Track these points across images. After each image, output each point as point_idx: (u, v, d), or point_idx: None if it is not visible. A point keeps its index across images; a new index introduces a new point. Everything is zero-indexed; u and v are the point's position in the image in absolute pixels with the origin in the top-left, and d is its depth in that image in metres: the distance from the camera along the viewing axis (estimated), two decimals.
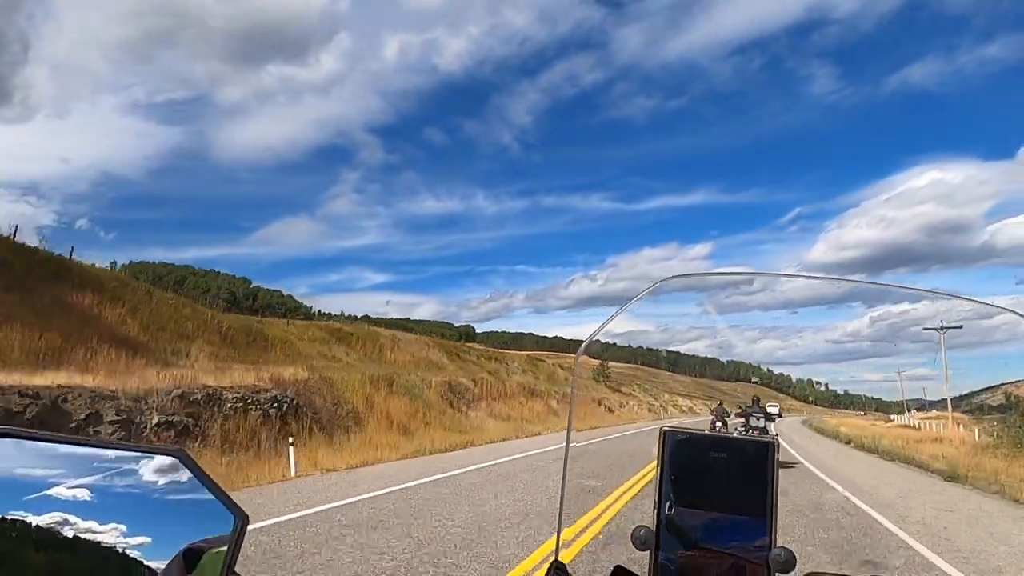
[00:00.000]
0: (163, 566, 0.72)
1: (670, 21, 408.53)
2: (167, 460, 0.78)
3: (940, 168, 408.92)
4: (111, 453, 0.79)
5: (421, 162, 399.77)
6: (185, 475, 0.77)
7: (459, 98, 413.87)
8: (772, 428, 13.97)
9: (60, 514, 0.73)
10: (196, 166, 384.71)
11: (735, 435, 1.10)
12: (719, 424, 16.59)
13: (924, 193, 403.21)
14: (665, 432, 1.06)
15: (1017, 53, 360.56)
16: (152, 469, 0.78)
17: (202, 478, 0.77)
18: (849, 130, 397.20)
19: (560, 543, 1.34)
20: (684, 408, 78.02)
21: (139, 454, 0.79)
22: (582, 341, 1.25)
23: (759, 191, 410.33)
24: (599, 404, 46.28)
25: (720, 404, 18.32)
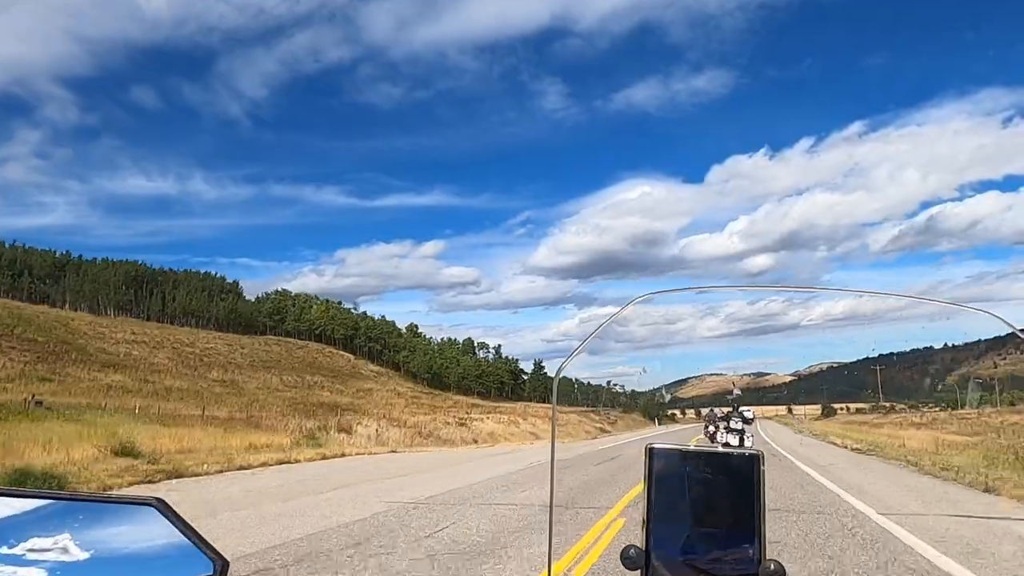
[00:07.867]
0: None
1: (421, 7, 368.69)
2: (144, 509, 0.77)
3: (649, 184, 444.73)
4: (85, 506, 0.78)
5: (127, 130, 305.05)
6: (163, 524, 0.76)
7: (177, 57, 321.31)
8: (749, 432, 13.44)
9: (37, 570, 0.71)
10: None
11: (720, 449, 1.10)
12: (711, 428, 16.40)
13: (633, 206, 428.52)
14: (651, 450, 1.06)
15: (718, 88, 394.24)
16: (128, 520, 0.77)
17: (180, 526, 0.77)
18: (574, 143, 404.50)
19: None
20: None
21: (114, 505, 0.78)
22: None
23: (490, 196, 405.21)
24: None
25: (711, 410, 18.44)
